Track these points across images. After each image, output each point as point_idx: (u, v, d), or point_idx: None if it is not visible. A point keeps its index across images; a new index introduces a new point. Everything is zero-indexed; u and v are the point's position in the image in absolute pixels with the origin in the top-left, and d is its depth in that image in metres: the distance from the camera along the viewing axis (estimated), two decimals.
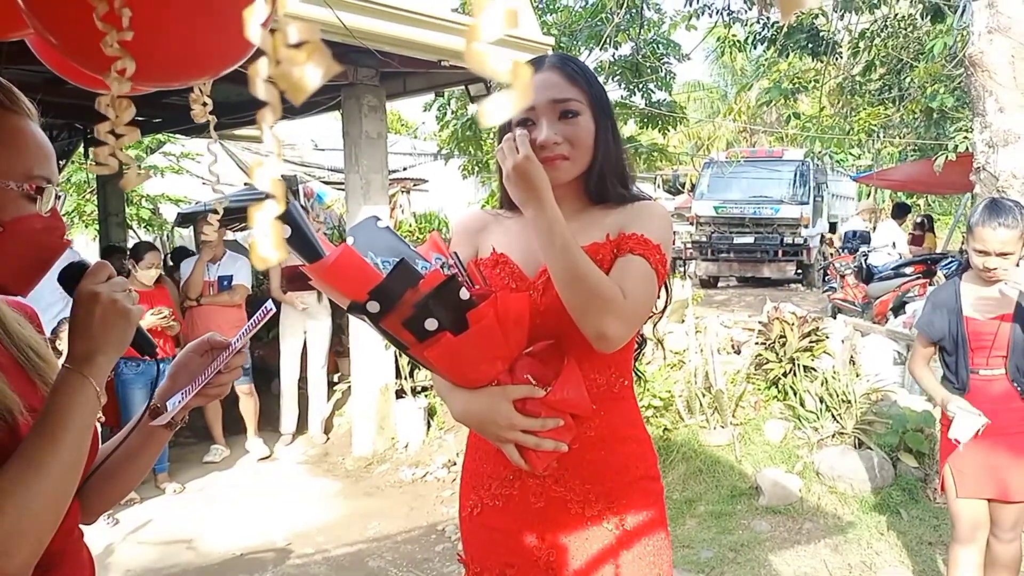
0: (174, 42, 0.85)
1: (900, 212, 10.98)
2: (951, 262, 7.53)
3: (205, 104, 1.12)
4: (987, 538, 2.86)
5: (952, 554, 2.91)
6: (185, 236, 11.36)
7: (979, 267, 2.70)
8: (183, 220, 10.51)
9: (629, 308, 1.32)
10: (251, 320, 1.16)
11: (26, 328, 1.11)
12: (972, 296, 2.79)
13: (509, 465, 1.38)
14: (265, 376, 6.33)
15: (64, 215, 1.09)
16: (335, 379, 6.39)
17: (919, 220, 11.76)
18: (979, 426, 2.68)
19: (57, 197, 1.03)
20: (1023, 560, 2.90)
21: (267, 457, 5.62)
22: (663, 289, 1.48)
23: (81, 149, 7.86)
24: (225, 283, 5.58)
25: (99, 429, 1.14)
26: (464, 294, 1.24)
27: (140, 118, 0.85)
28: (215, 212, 1.28)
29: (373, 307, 1.21)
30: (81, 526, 1.14)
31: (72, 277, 1.03)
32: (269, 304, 1.17)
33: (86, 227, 10.99)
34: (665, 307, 1.55)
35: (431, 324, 1.23)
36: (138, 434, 1.18)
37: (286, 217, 1.22)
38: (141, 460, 1.20)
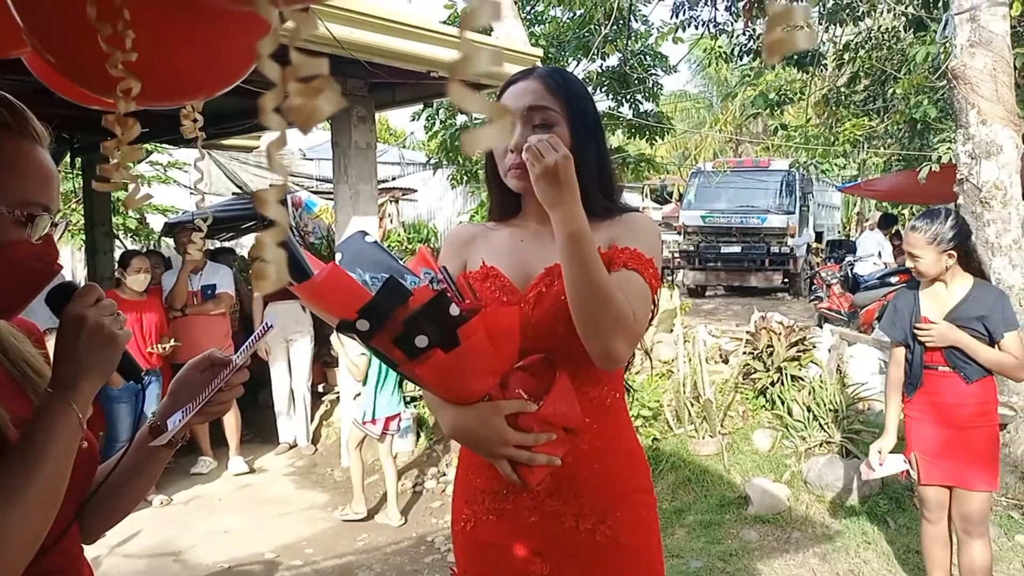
0: (174, 63, 0.86)
1: (887, 223, 11.07)
2: None
3: (196, 120, 1.12)
4: (961, 538, 3.04)
5: (924, 530, 3.15)
6: (172, 246, 11.32)
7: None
8: (170, 230, 10.48)
9: (635, 328, 1.32)
10: (252, 336, 1.15)
11: (23, 343, 1.10)
12: (929, 298, 3.03)
13: (502, 479, 1.38)
14: (252, 387, 6.31)
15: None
16: (321, 390, 6.37)
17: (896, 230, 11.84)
18: (896, 471, 3.12)
19: (54, 225, 1.00)
20: (992, 564, 3.06)
21: (245, 473, 5.58)
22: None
23: (68, 159, 7.82)
24: (209, 292, 5.58)
25: (97, 448, 1.13)
26: (454, 310, 1.22)
27: None
28: (198, 230, 1.28)
29: (363, 325, 1.19)
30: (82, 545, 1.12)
31: (60, 298, 1.01)
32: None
33: (72, 237, 10.92)
34: (652, 317, 1.56)
35: (421, 341, 1.21)
36: (138, 453, 1.16)
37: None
38: (142, 479, 1.18)
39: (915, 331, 2.97)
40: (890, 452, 3.13)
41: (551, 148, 1.25)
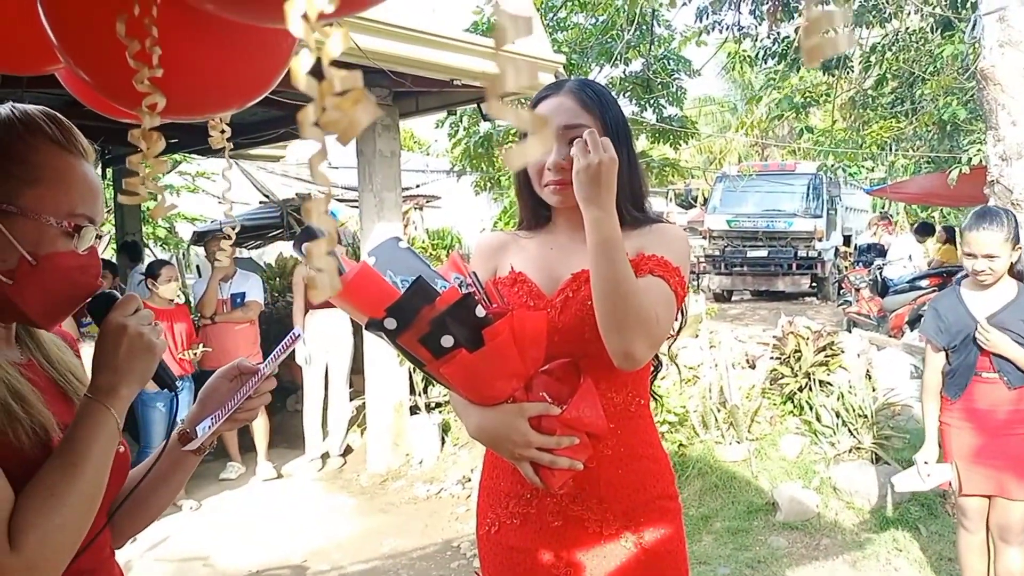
0: (201, 78, 0.88)
1: (924, 231, 10.76)
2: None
3: (223, 131, 1.14)
4: (998, 545, 2.97)
5: (961, 539, 3.09)
6: (200, 254, 11.47)
7: (970, 270, 2.89)
8: (199, 238, 10.63)
9: (657, 330, 1.32)
10: (279, 346, 1.17)
11: (66, 353, 1.13)
12: (975, 300, 2.94)
13: (526, 483, 1.39)
14: (280, 392, 6.35)
15: None
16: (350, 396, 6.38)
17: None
18: (943, 481, 3.03)
19: (98, 237, 1.04)
20: None
21: (273, 479, 5.61)
22: (679, 311, 1.49)
23: (99, 170, 7.97)
24: (238, 300, 5.64)
25: (129, 454, 1.16)
26: (480, 311, 1.24)
27: None
28: (227, 238, 1.30)
29: (390, 324, 1.22)
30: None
31: (101, 307, 1.05)
32: (297, 330, 1.19)
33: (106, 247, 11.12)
34: (680, 328, 1.56)
35: (447, 341, 1.23)
36: (166, 459, 1.19)
37: (308, 235, 1.25)
38: (169, 485, 1.21)
39: (976, 335, 2.84)
40: (936, 462, 3.06)
41: (600, 147, 1.29)
